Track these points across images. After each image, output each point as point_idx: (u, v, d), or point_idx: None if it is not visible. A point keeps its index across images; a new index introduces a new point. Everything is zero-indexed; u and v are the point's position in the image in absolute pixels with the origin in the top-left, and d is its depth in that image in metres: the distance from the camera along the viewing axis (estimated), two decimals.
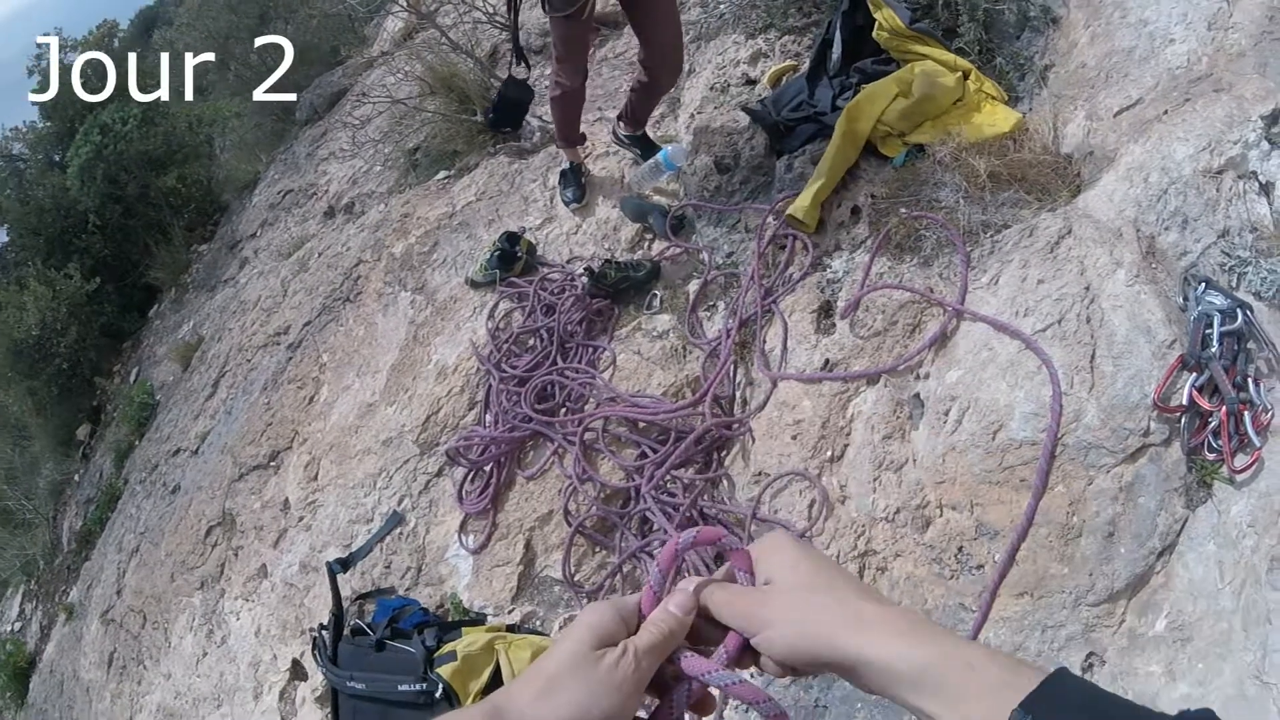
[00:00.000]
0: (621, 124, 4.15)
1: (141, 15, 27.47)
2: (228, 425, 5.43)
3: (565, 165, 4.35)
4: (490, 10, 5.88)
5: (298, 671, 3.68)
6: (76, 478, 8.30)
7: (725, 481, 2.94)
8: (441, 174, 5.39)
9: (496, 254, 4.03)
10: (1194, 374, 2.04)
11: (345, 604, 3.04)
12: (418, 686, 2.54)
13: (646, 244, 3.89)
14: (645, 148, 4.09)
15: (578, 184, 4.34)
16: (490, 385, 3.62)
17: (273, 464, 4.68)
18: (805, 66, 3.79)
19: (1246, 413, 1.96)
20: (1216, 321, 2.05)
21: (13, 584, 8.11)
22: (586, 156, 4.40)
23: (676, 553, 0.83)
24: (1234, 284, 2.15)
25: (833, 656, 0.70)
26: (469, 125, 5.23)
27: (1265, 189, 2.24)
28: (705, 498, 2.92)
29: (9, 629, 7.54)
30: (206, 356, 6.76)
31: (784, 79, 3.93)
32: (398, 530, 3.55)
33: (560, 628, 2.96)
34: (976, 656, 0.65)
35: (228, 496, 4.78)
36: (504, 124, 4.75)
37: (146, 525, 5.56)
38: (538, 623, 3.03)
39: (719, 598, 0.78)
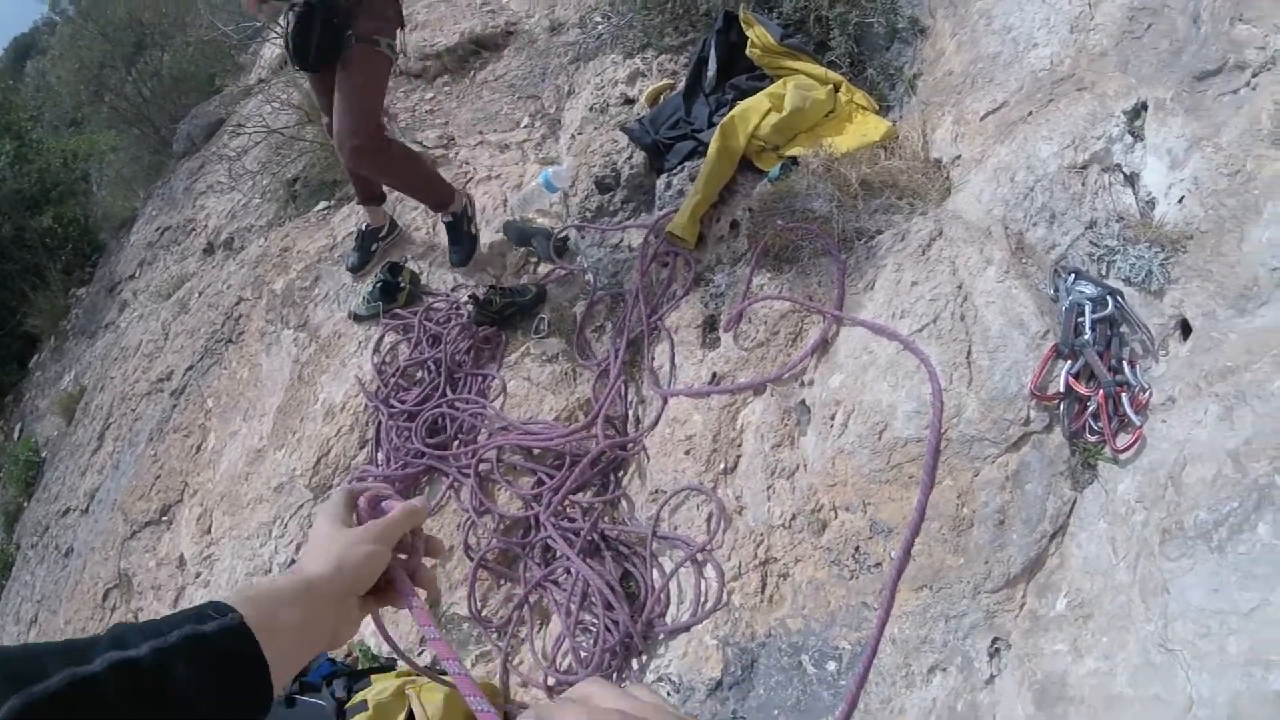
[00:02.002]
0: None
1: (16, 44, 26.44)
2: (116, 480, 5.18)
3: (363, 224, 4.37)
4: None
5: None
6: None
7: (624, 502, 2.91)
8: (321, 205, 5.27)
9: (379, 286, 3.94)
10: (1069, 361, 2.09)
11: None
12: None
13: (532, 268, 3.85)
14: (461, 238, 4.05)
15: (362, 249, 4.33)
16: (380, 422, 3.52)
17: (164, 519, 4.47)
18: (682, 85, 3.83)
19: (1124, 394, 2.02)
20: (1088, 310, 2.11)
21: None
22: (467, 182, 4.35)
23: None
24: (1104, 272, 2.22)
25: None
26: None
27: (1130, 180, 2.32)
28: (605, 520, 2.88)
29: None
30: (90, 408, 6.45)
31: (661, 97, 3.95)
32: None
33: (473, 666, 2.88)
34: None
35: (122, 556, 4.55)
36: None
37: (43, 593, 5.26)
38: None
39: None
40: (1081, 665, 1.82)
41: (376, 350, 3.82)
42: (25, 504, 6.76)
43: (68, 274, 9.39)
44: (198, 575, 3.98)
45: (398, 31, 3.59)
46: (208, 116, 8.23)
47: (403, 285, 3.93)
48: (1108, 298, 2.12)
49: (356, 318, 4.08)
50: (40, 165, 9.81)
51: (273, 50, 7.60)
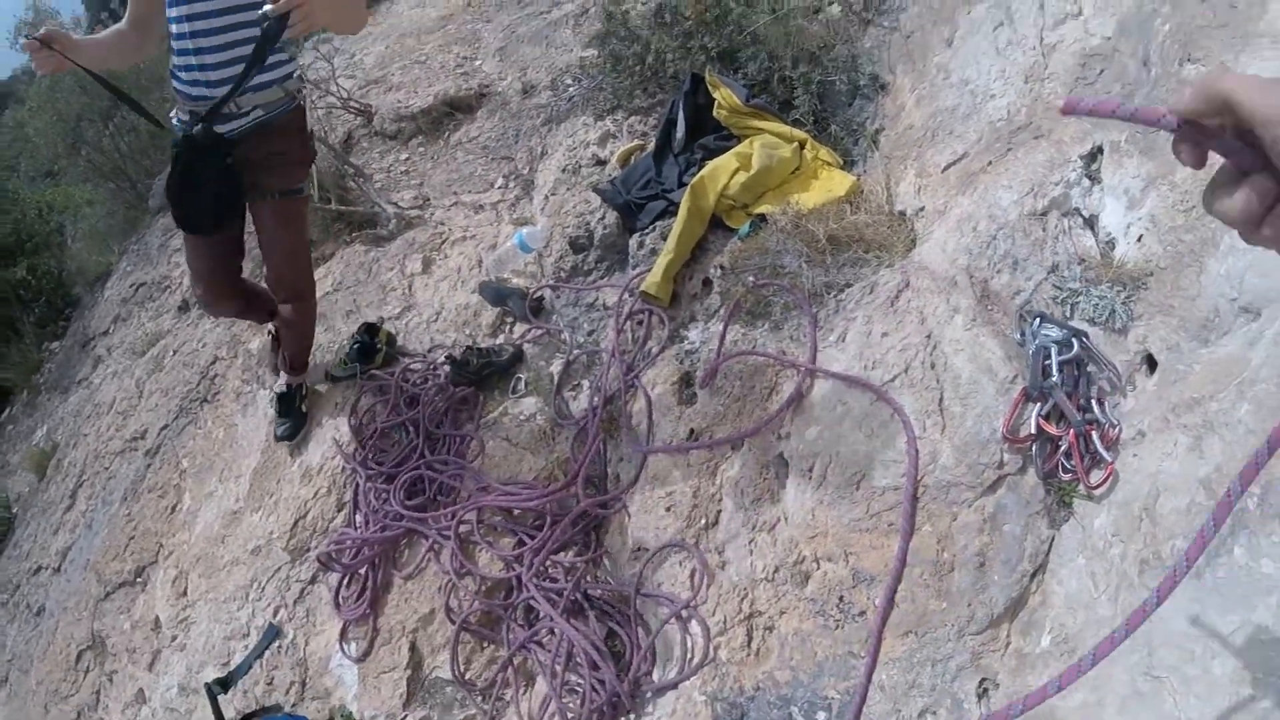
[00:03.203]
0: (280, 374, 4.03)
1: None
2: (89, 539, 5.09)
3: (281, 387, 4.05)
4: (345, 95, 5.86)
5: None
6: None
7: (606, 560, 2.91)
8: None
9: (356, 347, 3.95)
10: (1038, 404, 2.13)
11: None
12: None
13: (508, 328, 3.88)
14: (292, 412, 3.95)
15: (293, 413, 3.98)
16: (358, 484, 3.51)
17: (139, 580, 4.40)
18: (652, 145, 3.91)
19: (1094, 432, 2.05)
20: (1054, 352, 2.16)
21: None
22: (443, 243, 4.38)
23: None
24: (1068, 314, 2.27)
25: None
26: (324, 214, 5.14)
27: (1089, 222, 2.39)
28: (588, 579, 2.88)
29: None
30: (63, 465, 6.34)
31: (632, 158, 4.03)
32: (276, 644, 3.37)
33: None
34: None
35: (95, 617, 4.46)
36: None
37: (14, 652, 5.14)
38: None
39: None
40: (1071, 699, 1.83)
41: (353, 412, 3.82)
42: None
43: (41, 327, 9.26)
44: (173, 639, 3.92)
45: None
46: None
47: (379, 346, 3.94)
48: (1073, 339, 2.17)
49: (333, 379, 4.07)
50: (16, 216, 9.73)
51: None
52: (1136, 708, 1.70)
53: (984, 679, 1.99)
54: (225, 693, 2.68)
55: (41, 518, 6.12)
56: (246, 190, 3.14)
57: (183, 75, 2.91)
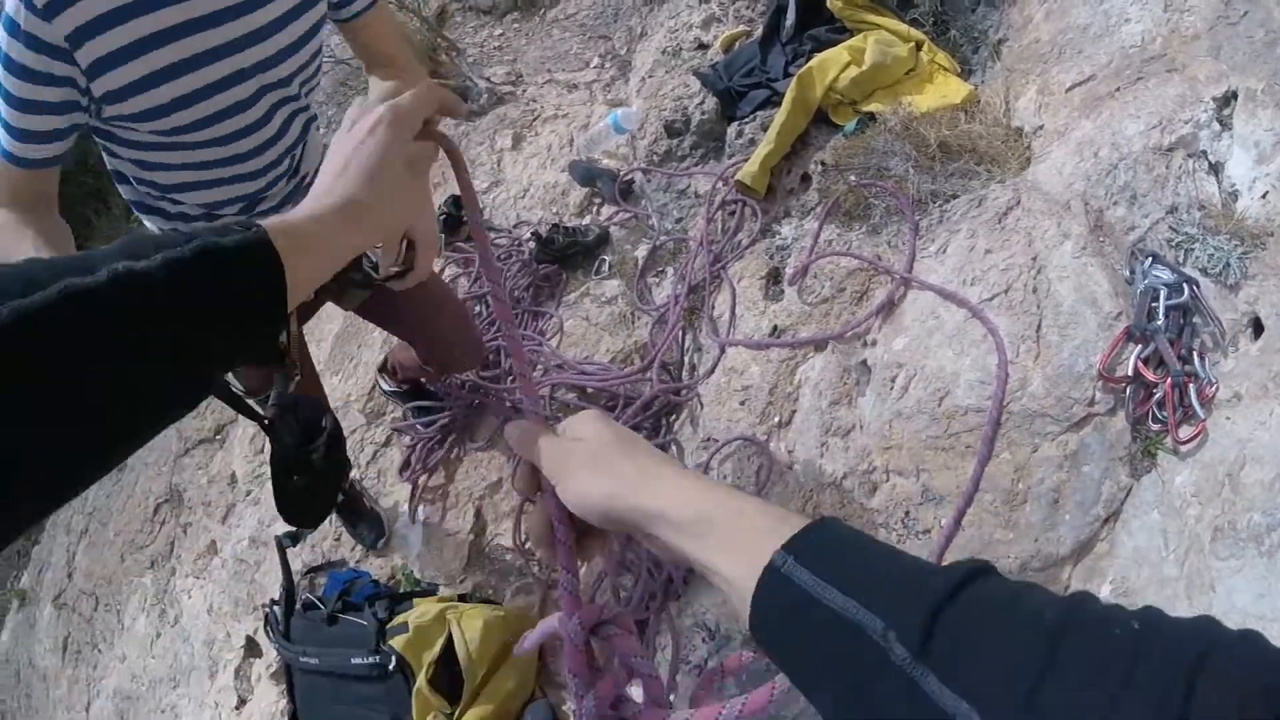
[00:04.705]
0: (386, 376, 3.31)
1: None
2: None
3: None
4: None
5: (252, 649, 3.61)
6: None
7: (674, 447, 2.93)
8: None
9: (441, 219, 3.96)
10: (1139, 346, 2.07)
11: (296, 578, 2.98)
12: (370, 660, 2.52)
13: (595, 208, 3.84)
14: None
15: (373, 521, 3.32)
16: None
17: (218, 437, 4.56)
18: (758, 32, 3.77)
19: (1191, 385, 1.99)
20: (1163, 295, 2.08)
21: None
22: (534, 120, 4.32)
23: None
24: (1180, 260, 2.18)
25: (627, 510, 0.73)
26: None
27: (1214, 169, 2.28)
28: None
29: None
30: None
31: (737, 44, 3.90)
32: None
33: (512, 596, 2.94)
34: (750, 506, 0.69)
35: (174, 472, 4.65)
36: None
37: (94, 505, 5.41)
38: (489, 591, 3.01)
39: (538, 439, 0.82)
40: None
41: None
42: None
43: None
44: (248, 493, 4.08)
45: None
46: None
47: (465, 219, 3.95)
48: (1184, 285, 2.09)
49: None
50: None
51: None
52: None
53: None
54: (294, 546, 2.78)
55: None
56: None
57: None
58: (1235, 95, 2.31)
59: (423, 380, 3.25)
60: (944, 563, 2.04)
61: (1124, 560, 1.93)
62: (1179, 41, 2.50)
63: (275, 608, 2.71)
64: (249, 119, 1.78)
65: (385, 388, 3.37)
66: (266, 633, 2.76)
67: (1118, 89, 2.53)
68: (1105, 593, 1.91)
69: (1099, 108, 2.54)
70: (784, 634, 0.61)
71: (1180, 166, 2.30)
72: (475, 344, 2.74)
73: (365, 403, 3.71)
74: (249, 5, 1.61)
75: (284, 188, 2.02)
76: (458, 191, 4.06)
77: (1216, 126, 2.31)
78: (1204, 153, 2.29)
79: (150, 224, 2.02)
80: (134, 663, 4.23)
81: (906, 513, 2.28)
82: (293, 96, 1.86)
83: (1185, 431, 1.97)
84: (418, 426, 3.38)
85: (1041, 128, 2.72)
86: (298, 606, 2.73)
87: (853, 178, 2.89)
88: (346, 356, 4.02)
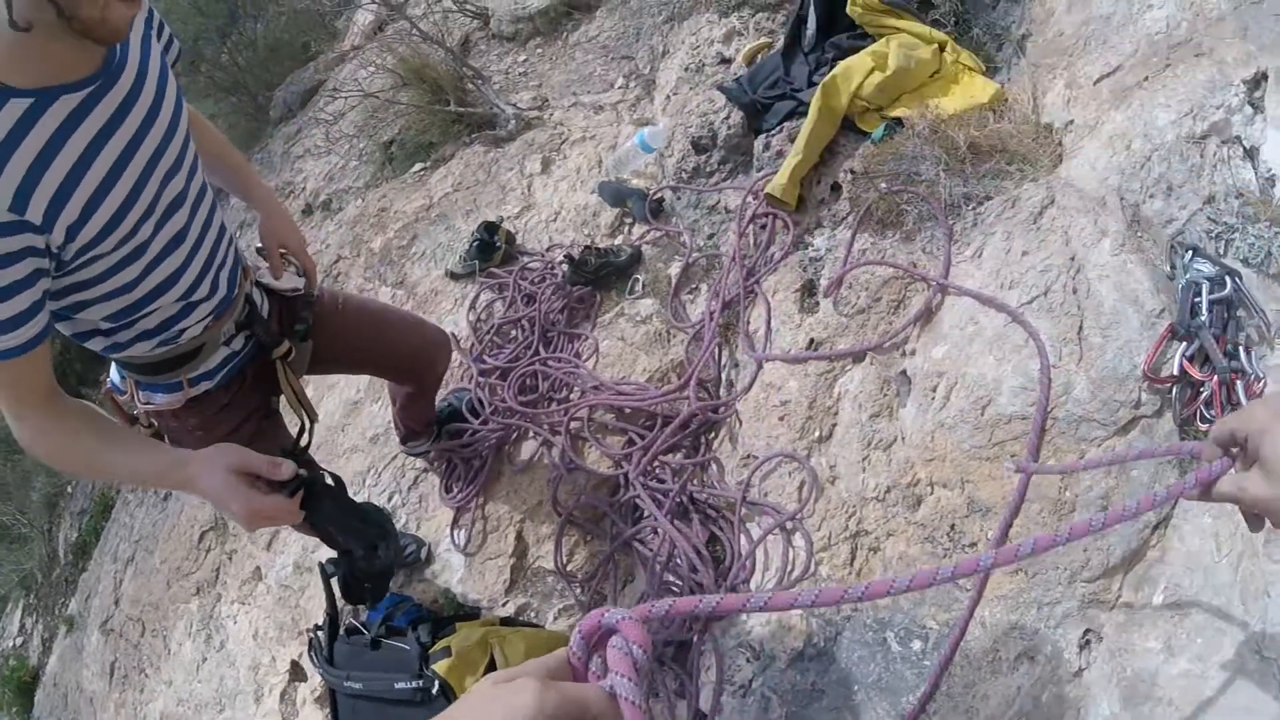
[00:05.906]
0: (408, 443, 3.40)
1: None
2: None
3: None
4: None
5: (297, 673, 3.64)
6: (69, 489, 8.18)
7: (714, 465, 2.91)
8: (418, 166, 5.33)
9: (475, 244, 3.98)
10: (1184, 343, 2.00)
11: (339, 604, 3.00)
12: (414, 684, 2.51)
13: (627, 228, 3.85)
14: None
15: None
16: (473, 378, 3.58)
17: None
18: (780, 43, 3.76)
19: (1239, 381, 1.92)
20: (1205, 289, 2.02)
21: (12, 599, 7.97)
22: (562, 143, 4.34)
23: (600, 625, 0.80)
24: (1221, 251, 2.12)
25: None
26: (443, 116, 5.16)
27: (1250, 154, 2.21)
28: (694, 482, 2.89)
29: (11, 644, 7.41)
30: None
31: (759, 56, 3.89)
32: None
33: (555, 620, 2.93)
34: None
35: None
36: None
37: (140, 533, 5.50)
38: (532, 614, 3.00)
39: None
40: (1174, 665, 1.76)
41: (472, 308, 3.87)
42: None
43: None
44: None
45: None
46: (304, 82, 8.29)
47: (499, 244, 3.97)
48: (1226, 278, 2.02)
49: (453, 276, 4.13)
50: None
51: (366, 16, 7.65)
52: (1240, 685, 1.62)
53: (1089, 629, 1.92)
54: (338, 572, 2.79)
55: None
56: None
57: None
58: (1265, 76, 2.24)
59: (429, 421, 3.31)
60: (992, 575, 1.99)
61: (1176, 567, 1.86)
62: (1204, 24, 2.44)
63: (319, 633, 2.72)
64: (185, 204, 1.81)
65: (416, 450, 3.44)
66: (311, 658, 2.77)
67: (1146, 78, 2.48)
68: (1158, 601, 1.85)
69: (1128, 98, 2.48)
70: None
71: (1215, 154, 2.23)
72: (434, 337, 2.86)
73: None
74: (155, 104, 1.65)
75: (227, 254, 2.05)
76: (491, 218, 4.11)
77: (1249, 110, 2.24)
78: (1238, 138, 2.23)
79: (131, 352, 1.97)
80: (180, 687, 4.28)
81: (952, 526, 2.23)
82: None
83: None
84: (456, 450, 3.39)
85: (1071, 122, 2.66)
86: (341, 632, 2.73)
87: (883, 184, 2.85)
88: (385, 384, 4.04)
